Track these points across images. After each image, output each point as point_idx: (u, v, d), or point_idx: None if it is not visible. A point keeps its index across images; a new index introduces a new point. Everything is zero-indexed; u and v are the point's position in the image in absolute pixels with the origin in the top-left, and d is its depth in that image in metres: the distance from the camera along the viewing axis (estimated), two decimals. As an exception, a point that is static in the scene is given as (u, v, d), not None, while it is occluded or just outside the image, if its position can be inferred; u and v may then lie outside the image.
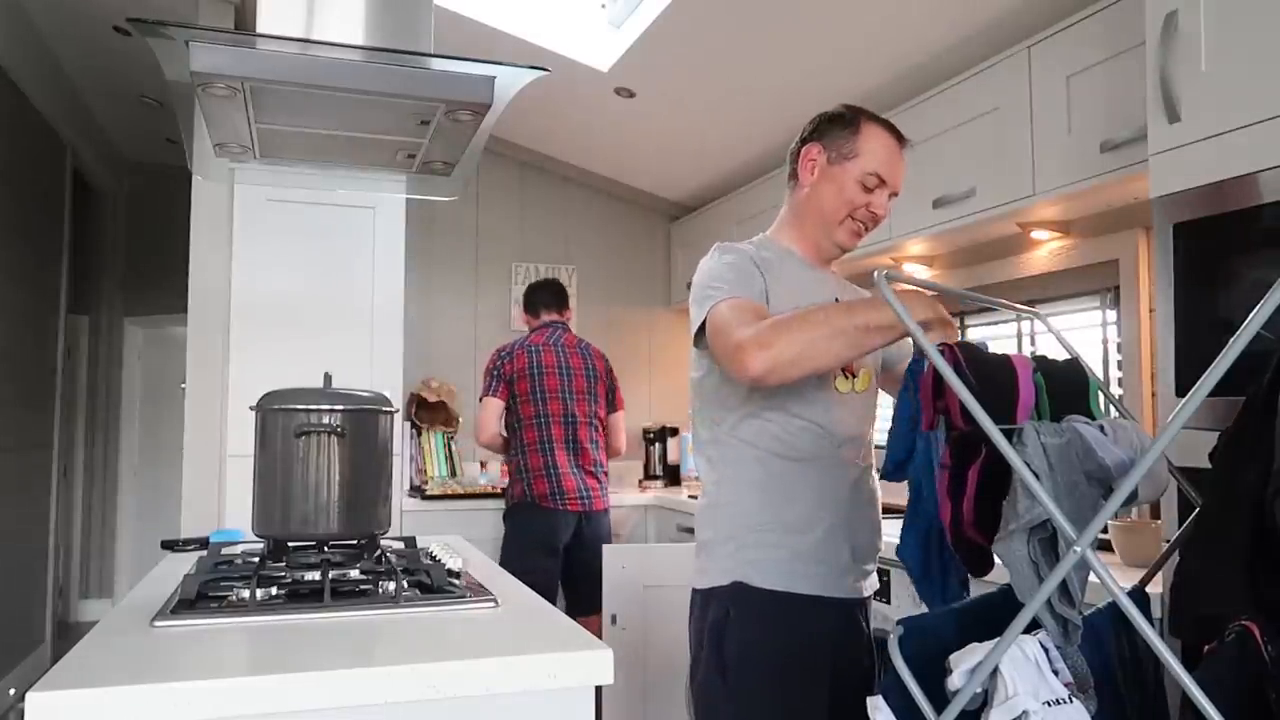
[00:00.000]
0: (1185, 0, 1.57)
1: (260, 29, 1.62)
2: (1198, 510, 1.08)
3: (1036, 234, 2.50)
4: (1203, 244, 1.52)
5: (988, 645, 0.98)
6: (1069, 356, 1.30)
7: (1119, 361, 2.37)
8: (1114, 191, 2.11)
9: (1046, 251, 2.56)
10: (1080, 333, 2.49)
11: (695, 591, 1.56)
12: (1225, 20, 1.52)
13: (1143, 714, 1.17)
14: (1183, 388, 1.53)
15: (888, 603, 2.24)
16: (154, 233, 5.60)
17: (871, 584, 1.59)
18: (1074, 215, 2.39)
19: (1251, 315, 0.82)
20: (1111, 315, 2.40)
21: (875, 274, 1.07)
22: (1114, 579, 0.88)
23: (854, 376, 1.57)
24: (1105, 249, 2.38)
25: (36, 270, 4.25)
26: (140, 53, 1.72)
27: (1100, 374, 2.39)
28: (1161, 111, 1.60)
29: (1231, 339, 0.82)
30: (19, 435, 4.04)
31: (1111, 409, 1.30)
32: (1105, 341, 2.42)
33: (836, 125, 1.58)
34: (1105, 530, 1.41)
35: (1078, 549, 0.88)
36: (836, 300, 1.58)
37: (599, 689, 1.17)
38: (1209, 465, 1.04)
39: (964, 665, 0.99)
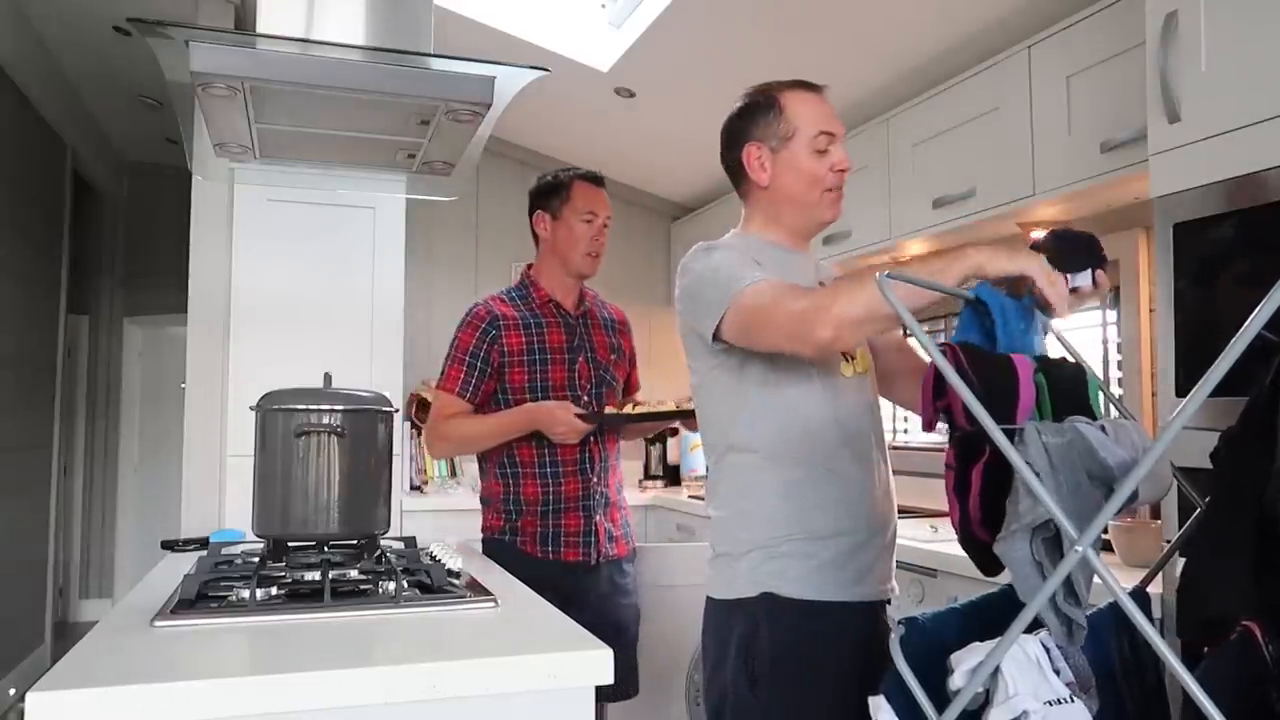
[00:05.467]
0: (1185, 0, 1.57)
1: (260, 29, 1.62)
2: (1199, 511, 1.08)
3: (1037, 234, 2.50)
4: (1203, 244, 1.51)
5: (989, 645, 0.98)
6: (1069, 356, 1.30)
7: (1119, 361, 2.37)
8: (1114, 191, 2.11)
9: (1047, 251, 2.56)
10: (1080, 333, 2.49)
11: (714, 601, 1.52)
12: (1225, 20, 1.52)
13: (1143, 714, 1.17)
14: (1183, 388, 1.53)
15: (888, 602, 2.24)
16: (154, 233, 5.60)
17: (894, 584, 1.56)
18: (1074, 215, 2.39)
19: (1252, 315, 0.82)
20: (1111, 315, 2.40)
21: (876, 275, 1.07)
22: (1115, 579, 0.88)
23: (853, 358, 1.54)
24: (1105, 249, 2.37)
25: (36, 270, 4.25)
26: (140, 53, 1.72)
27: (1100, 374, 2.39)
28: (1161, 111, 1.60)
29: (1232, 339, 0.82)
30: (19, 435, 4.04)
31: (1112, 409, 1.30)
32: (1105, 341, 2.42)
33: (758, 114, 1.55)
34: (1105, 530, 1.41)
35: (1079, 549, 0.88)
36: (821, 284, 1.55)
37: (599, 689, 1.17)
38: (1210, 465, 1.04)
39: (965, 665, 0.99)
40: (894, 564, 1.57)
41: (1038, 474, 0.93)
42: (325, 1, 1.68)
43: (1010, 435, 0.96)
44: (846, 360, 1.53)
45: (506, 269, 4.32)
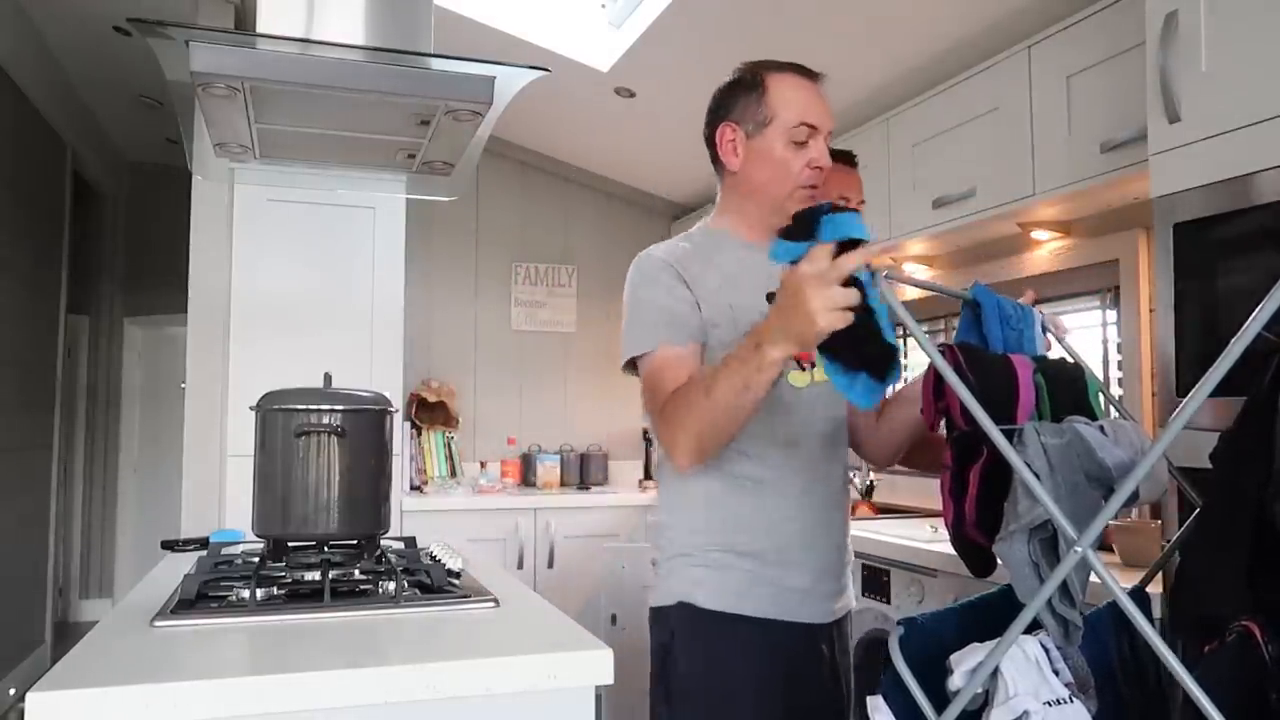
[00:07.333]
0: (1185, 0, 1.57)
1: (260, 29, 1.62)
2: (1198, 511, 1.08)
3: (1037, 234, 2.50)
4: (1203, 244, 1.51)
5: (988, 645, 0.98)
6: (1068, 357, 1.30)
7: (1119, 361, 2.36)
8: (1114, 191, 2.11)
9: (1047, 251, 2.56)
10: (1080, 333, 2.49)
11: (649, 609, 1.47)
12: (1225, 20, 1.52)
13: (1143, 714, 1.17)
14: (1183, 388, 1.53)
15: (887, 602, 2.24)
16: (154, 233, 5.60)
17: (844, 605, 1.46)
18: (1074, 215, 2.39)
19: (1252, 316, 0.82)
20: (1111, 315, 2.40)
21: (875, 275, 1.07)
22: (1115, 579, 0.88)
23: (811, 366, 1.40)
24: (1105, 249, 2.38)
25: (36, 270, 4.25)
26: (140, 53, 1.72)
27: (1100, 374, 2.39)
28: (1161, 111, 1.60)
29: (1232, 339, 0.82)
30: (19, 435, 4.04)
31: (1111, 409, 1.30)
32: (1105, 341, 2.42)
33: (740, 93, 1.42)
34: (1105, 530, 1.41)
35: (1079, 549, 0.88)
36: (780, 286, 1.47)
37: (599, 689, 1.17)
38: (1209, 466, 1.04)
39: (965, 665, 0.99)
40: (845, 584, 1.47)
41: (1036, 475, 0.93)
42: (325, 1, 1.68)
43: (1009, 436, 0.96)
44: (801, 368, 1.41)
45: (506, 269, 4.32)
